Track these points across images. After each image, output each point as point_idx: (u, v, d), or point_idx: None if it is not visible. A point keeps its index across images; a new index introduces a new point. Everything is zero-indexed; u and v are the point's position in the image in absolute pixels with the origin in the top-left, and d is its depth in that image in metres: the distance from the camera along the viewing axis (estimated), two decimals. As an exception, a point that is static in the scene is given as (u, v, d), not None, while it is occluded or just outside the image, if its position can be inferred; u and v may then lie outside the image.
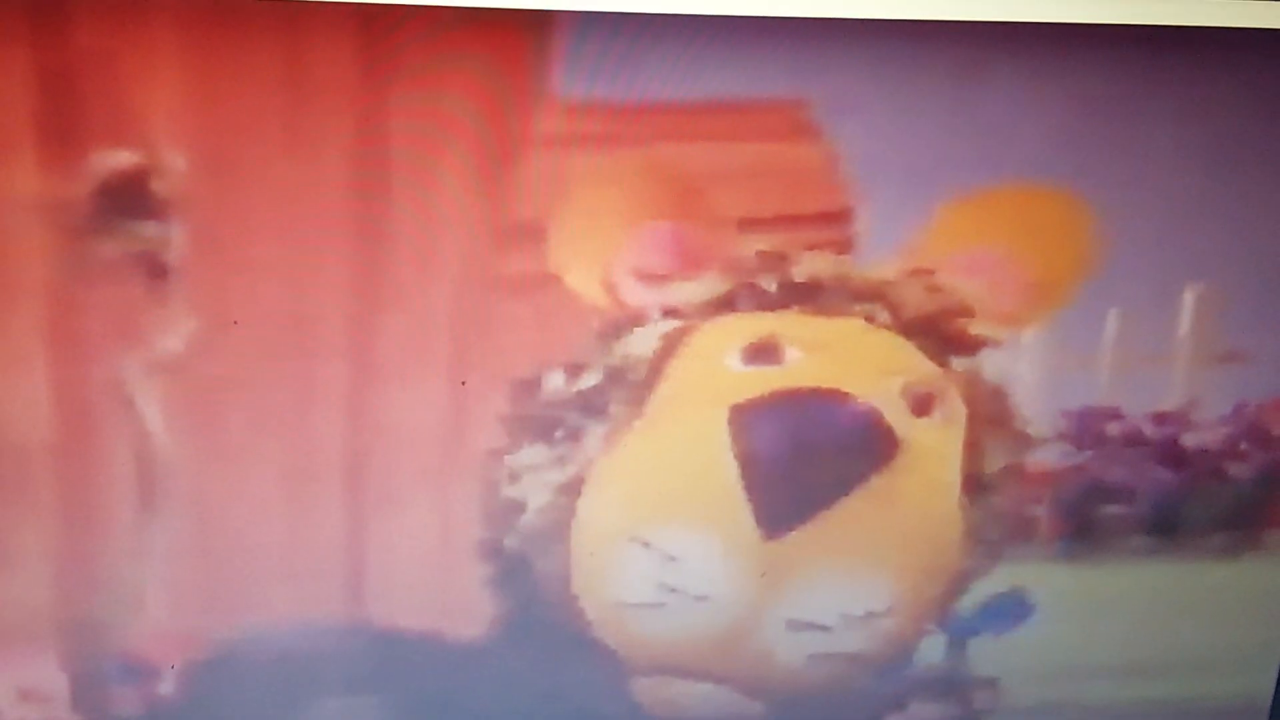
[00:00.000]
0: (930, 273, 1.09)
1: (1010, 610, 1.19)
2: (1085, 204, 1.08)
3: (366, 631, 1.13)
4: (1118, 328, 1.13)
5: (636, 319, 1.07)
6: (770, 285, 1.07)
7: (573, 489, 1.09)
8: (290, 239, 1.03)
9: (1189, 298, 1.13)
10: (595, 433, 1.08)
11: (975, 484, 1.13)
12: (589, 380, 1.07)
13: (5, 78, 0.97)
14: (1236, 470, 1.18)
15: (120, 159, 0.99)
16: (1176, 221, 1.11)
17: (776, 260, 1.07)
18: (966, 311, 1.10)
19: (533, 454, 1.08)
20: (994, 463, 1.13)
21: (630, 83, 1.01)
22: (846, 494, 1.09)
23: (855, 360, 1.09)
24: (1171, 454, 1.17)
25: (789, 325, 1.08)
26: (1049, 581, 1.19)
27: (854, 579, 1.11)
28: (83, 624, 1.10)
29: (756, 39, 1.01)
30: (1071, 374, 1.14)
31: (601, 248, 1.03)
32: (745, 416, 1.07)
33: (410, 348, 1.06)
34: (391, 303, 1.05)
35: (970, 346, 1.11)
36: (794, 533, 1.09)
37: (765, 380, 1.08)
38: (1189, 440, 1.17)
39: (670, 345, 1.08)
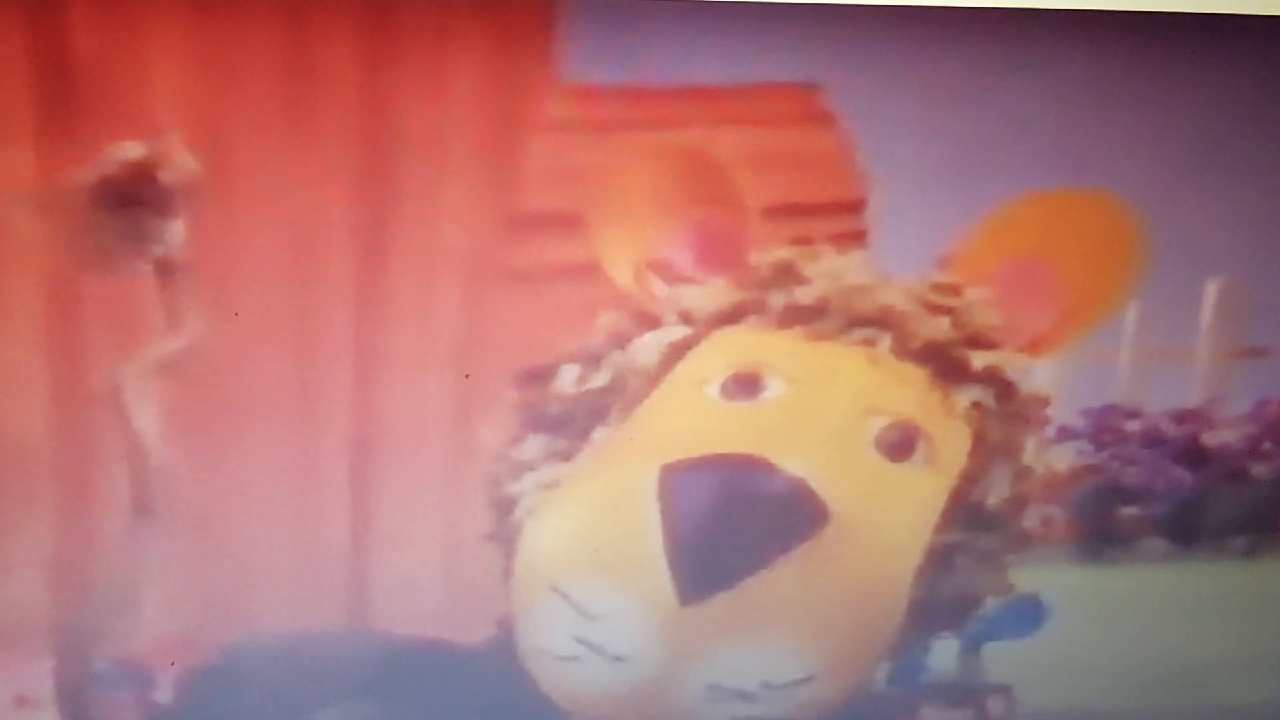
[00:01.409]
0: (947, 288, 1.07)
1: (1025, 615, 1.17)
2: (1125, 207, 1.07)
3: (368, 637, 1.12)
4: (1137, 322, 1.12)
5: (651, 320, 1.05)
6: (778, 302, 1.05)
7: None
8: (295, 229, 1.02)
9: (1210, 292, 1.12)
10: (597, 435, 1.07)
11: (968, 518, 1.11)
12: (597, 380, 1.06)
13: (4, 69, 0.97)
14: (1258, 470, 1.18)
15: (122, 150, 0.99)
16: (1198, 214, 1.10)
17: (787, 274, 1.05)
18: (984, 341, 1.08)
19: (535, 446, 1.07)
20: (996, 494, 1.11)
21: (641, 67, 1.01)
22: (769, 564, 1.07)
23: (839, 395, 1.07)
24: (1191, 453, 1.16)
25: (782, 352, 1.06)
26: (1065, 585, 1.18)
27: (776, 647, 1.09)
28: (79, 630, 1.09)
29: (771, 23, 1.00)
30: (1090, 370, 1.13)
31: (627, 236, 1.02)
32: (674, 478, 1.06)
33: (416, 340, 1.06)
34: (397, 294, 1.04)
35: (982, 379, 1.09)
36: (713, 600, 1.07)
37: (740, 416, 1.06)
38: (1209, 439, 1.16)
39: (669, 360, 1.06)
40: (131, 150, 0.99)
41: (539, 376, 1.05)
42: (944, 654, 1.17)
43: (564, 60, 1.00)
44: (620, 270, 1.04)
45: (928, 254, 1.08)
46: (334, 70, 0.99)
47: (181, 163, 0.99)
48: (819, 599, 1.07)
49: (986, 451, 1.10)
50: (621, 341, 1.06)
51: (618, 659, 1.07)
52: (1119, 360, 1.13)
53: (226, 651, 1.11)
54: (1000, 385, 1.10)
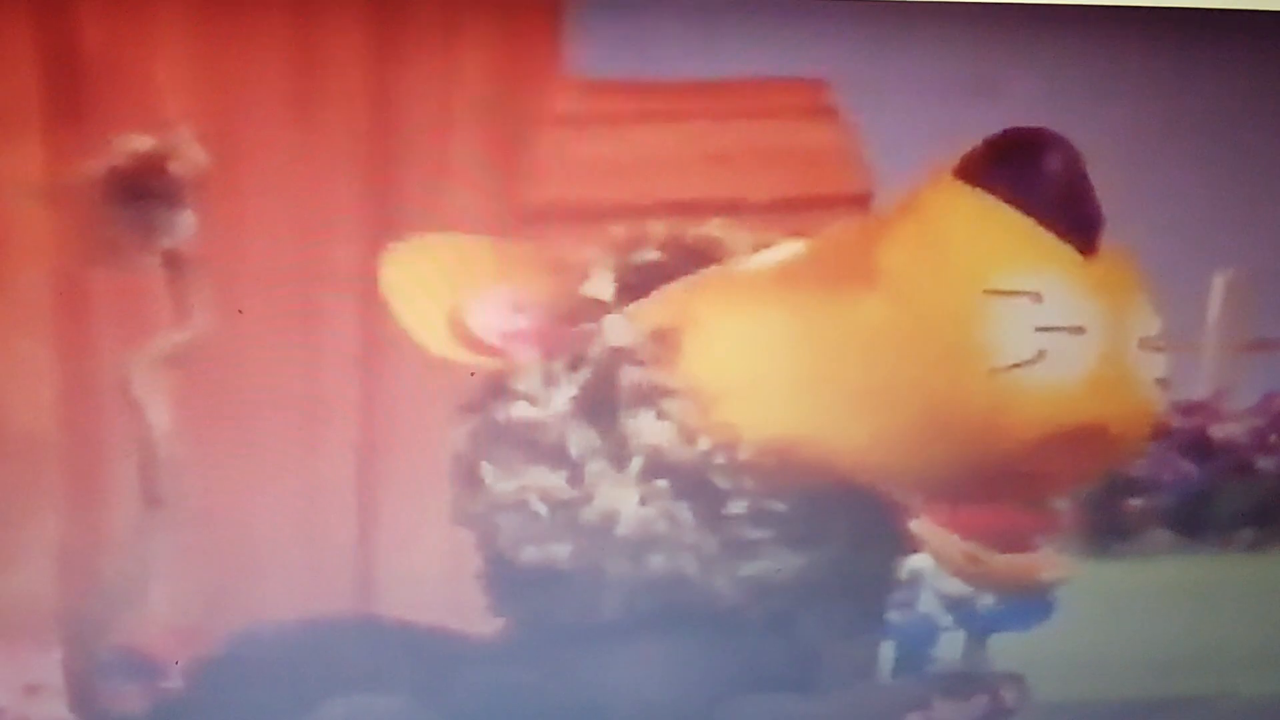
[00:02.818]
0: None
1: (1033, 606, 1.17)
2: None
3: (376, 627, 1.12)
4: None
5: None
6: (656, 256, 0.97)
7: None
8: (302, 222, 1.02)
9: (1218, 285, 1.12)
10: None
11: None
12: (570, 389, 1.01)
13: (13, 61, 0.97)
14: (1264, 464, 1.17)
15: (131, 143, 0.99)
16: (1206, 208, 1.10)
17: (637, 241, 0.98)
18: None
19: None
20: None
21: (647, 62, 1.01)
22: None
23: None
24: (1198, 446, 1.16)
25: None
26: (1072, 576, 1.18)
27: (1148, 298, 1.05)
28: (88, 620, 1.09)
29: (777, 18, 1.00)
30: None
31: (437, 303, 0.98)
32: (978, 169, 1.02)
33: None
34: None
35: None
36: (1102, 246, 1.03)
37: None
38: (1216, 432, 1.16)
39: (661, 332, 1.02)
40: (140, 143, 0.98)
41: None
42: (950, 645, 1.18)
43: (571, 55, 1.00)
44: (435, 338, 0.96)
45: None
46: (342, 64, 0.99)
47: (190, 155, 0.99)
48: None
49: None
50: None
51: (1078, 330, 1.02)
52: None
53: (234, 641, 1.11)
54: None
